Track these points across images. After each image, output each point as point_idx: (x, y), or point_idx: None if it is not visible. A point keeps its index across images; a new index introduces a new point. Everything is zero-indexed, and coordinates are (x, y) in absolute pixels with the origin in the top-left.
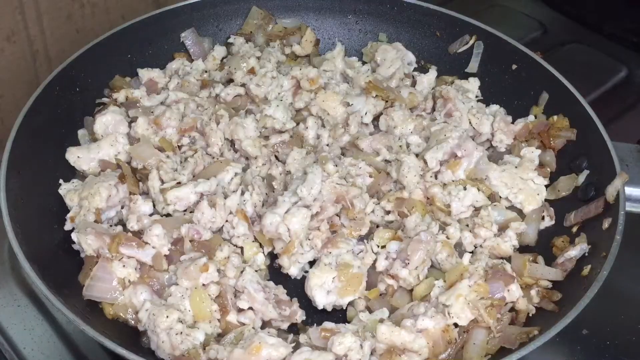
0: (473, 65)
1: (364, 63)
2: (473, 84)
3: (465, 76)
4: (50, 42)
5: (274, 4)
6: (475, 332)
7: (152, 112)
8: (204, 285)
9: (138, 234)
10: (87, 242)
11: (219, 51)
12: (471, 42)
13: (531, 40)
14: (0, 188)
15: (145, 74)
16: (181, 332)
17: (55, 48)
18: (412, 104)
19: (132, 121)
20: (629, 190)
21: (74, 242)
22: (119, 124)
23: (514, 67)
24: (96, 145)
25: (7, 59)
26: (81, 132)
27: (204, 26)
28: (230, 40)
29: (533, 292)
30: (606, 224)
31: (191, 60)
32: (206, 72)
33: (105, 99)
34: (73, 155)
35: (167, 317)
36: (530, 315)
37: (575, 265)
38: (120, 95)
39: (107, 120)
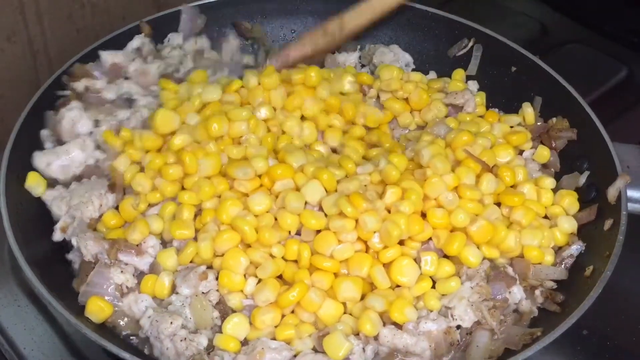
0: (472, 68)
1: (362, 66)
2: (472, 87)
3: (465, 78)
4: (50, 42)
5: (272, 7)
6: (478, 333)
7: (115, 115)
8: (203, 293)
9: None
10: (86, 247)
11: (202, 42)
12: (470, 44)
13: (531, 41)
14: (0, 192)
15: (108, 57)
16: (185, 338)
17: (56, 48)
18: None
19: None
20: (630, 192)
21: (67, 252)
22: (86, 122)
23: (513, 69)
24: (64, 149)
25: (7, 59)
26: (45, 133)
27: (209, 27)
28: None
29: (537, 292)
30: (607, 224)
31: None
32: (178, 48)
33: (65, 92)
34: (42, 161)
35: (172, 323)
36: (533, 317)
37: (576, 267)
38: (80, 85)
39: (75, 116)
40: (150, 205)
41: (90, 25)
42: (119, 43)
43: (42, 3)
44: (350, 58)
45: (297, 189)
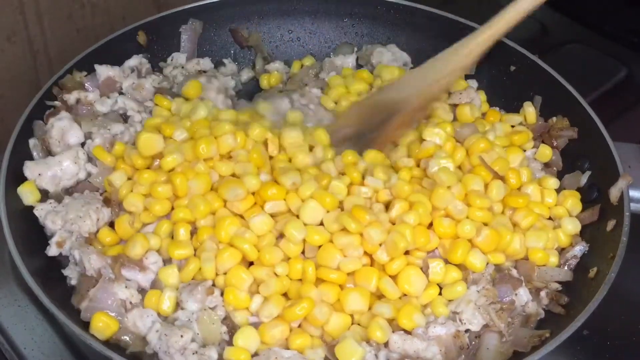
0: (471, 67)
1: (360, 66)
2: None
3: (464, 78)
4: (50, 42)
5: (270, 7)
6: (487, 336)
7: (109, 129)
8: (210, 308)
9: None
10: (89, 262)
11: (205, 63)
12: None
13: (531, 40)
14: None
15: (103, 71)
16: (196, 352)
17: (56, 48)
18: None
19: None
20: (632, 192)
21: (63, 268)
22: (76, 132)
23: (513, 68)
24: (57, 161)
25: (7, 59)
26: (32, 142)
27: (206, 30)
28: (225, 60)
29: (542, 293)
30: (610, 225)
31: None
32: (180, 67)
33: (55, 102)
34: (33, 172)
35: (182, 336)
36: (539, 319)
37: (580, 268)
38: (71, 97)
39: (65, 126)
40: (145, 224)
41: (90, 25)
42: (119, 44)
43: (42, 3)
44: (347, 60)
45: (290, 209)
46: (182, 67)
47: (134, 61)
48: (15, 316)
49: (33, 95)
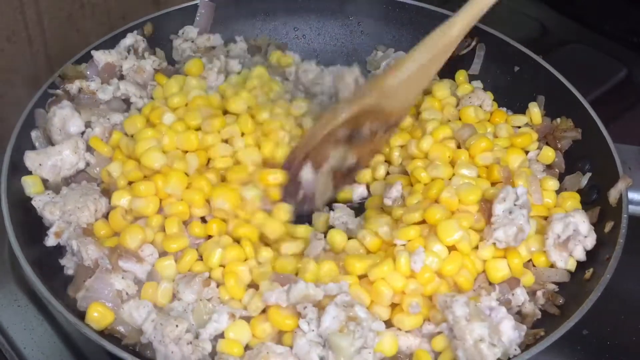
0: (475, 67)
1: (369, 72)
2: (477, 86)
3: (468, 78)
4: (50, 42)
5: (276, 5)
6: None
7: (108, 118)
8: (207, 299)
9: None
10: (87, 252)
11: (216, 39)
12: (473, 44)
13: (531, 40)
14: (2, 191)
15: (102, 57)
16: (191, 342)
17: (55, 48)
18: None
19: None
20: (631, 194)
21: (61, 257)
22: (77, 121)
23: (516, 68)
24: (57, 150)
25: (7, 59)
26: (35, 133)
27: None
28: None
29: (539, 293)
30: (608, 227)
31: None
32: (190, 41)
33: (57, 91)
34: (34, 162)
35: (177, 326)
36: (536, 319)
37: (576, 269)
38: (73, 87)
39: (67, 115)
40: (136, 218)
41: (90, 25)
42: (119, 43)
43: (42, 3)
44: None
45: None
46: (192, 42)
47: (129, 40)
48: (15, 316)
49: (33, 95)
